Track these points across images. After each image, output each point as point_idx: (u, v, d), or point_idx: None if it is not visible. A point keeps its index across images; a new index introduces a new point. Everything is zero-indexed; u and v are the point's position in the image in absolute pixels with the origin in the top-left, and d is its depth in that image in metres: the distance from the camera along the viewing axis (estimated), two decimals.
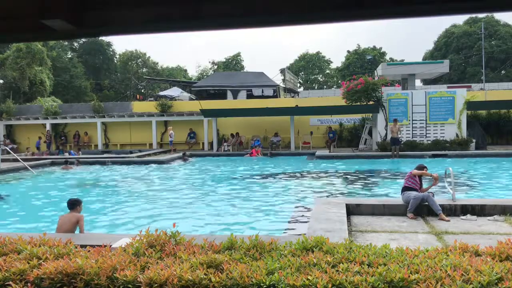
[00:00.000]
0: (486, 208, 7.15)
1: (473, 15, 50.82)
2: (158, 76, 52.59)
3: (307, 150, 21.75)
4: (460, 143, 18.98)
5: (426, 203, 7.19)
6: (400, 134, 18.59)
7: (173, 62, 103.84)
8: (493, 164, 15.90)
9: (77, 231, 6.26)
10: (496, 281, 2.78)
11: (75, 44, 54.57)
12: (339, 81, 53.42)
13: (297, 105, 23.36)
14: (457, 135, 19.45)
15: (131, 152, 22.13)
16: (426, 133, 19.75)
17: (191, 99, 29.30)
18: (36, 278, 3.03)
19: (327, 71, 64.99)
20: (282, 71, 36.87)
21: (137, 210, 9.68)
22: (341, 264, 3.08)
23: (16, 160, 17.91)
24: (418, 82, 35.86)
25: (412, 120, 19.81)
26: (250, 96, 29.39)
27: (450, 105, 19.64)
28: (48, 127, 25.42)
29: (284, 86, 34.86)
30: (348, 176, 14.14)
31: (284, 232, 7.34)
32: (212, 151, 22.73)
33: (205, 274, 2.94)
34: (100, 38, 48.22)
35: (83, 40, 53.34)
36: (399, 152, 17.98)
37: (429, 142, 19.37)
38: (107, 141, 26.19)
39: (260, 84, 30.32)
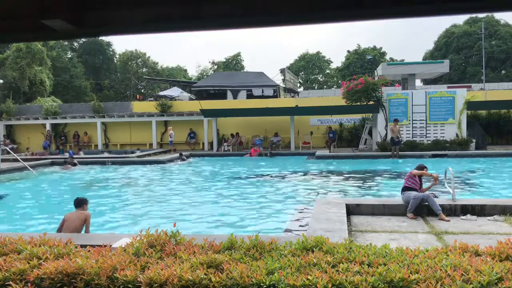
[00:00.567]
0: (486, 208, 7.16)
1: (473, 15, 50.84)
2: (158, 76, 52.57)
3: (307, 150, 21.75)
4: (460, 143, 18.98)
5: (426, 203, 7.20)
6: (400, 136, 18.55)
7: (173, 62, 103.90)
8: (493, 164, 15.91)
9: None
10: (496, 281, 2.78)
11: (75, 44, 54.57)
12: (339, 81, 53.43)
13: (297, 105, 23.35)
14: (457, 135, 19.44)
15: (132, 152, 22.13)
16: (426, 133, 19.75)
17: (191, 99, 29.29)
18: (36, 278, 3.03)
19: (327, 71, 64.97)
20: (282, 71, 36.87)
21: (137, 210, 9.69)
22: (341, 264, 3.08)
23: (16, 160, 17.92)
24: (418, 82, 35.85)
25: (412, 120, 19.80)
26: (250, 96, 29.39)
27: (450, 105, 19.63)
28: (48, 127, 25.41)
29: (284, 86, 34.86)
30: (348, 176, 14.14)
31: (284, 232, 7.34)
32: (212, 151, 22.73)
33: (205, 274, 2.94)
34: (100, 38, 48.25)
35: (83, 40, 53.34)
36: (399, 152, 17.98)
37: (429, 142, 19.36)
38: (107, 141, 26.19)
39: (260, 84, 30.31)
